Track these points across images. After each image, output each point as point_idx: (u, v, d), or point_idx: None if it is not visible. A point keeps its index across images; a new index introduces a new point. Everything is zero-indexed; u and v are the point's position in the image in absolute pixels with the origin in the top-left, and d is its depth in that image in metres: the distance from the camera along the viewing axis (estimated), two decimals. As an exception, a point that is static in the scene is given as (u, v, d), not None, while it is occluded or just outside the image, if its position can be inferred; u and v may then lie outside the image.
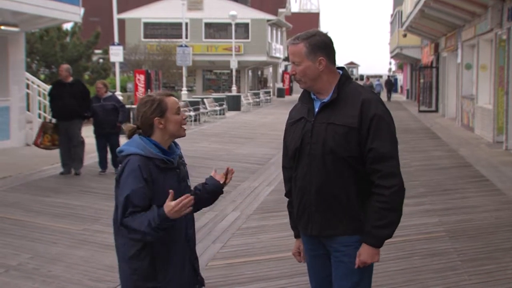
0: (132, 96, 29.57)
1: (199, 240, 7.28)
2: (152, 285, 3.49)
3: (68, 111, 12.18)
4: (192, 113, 25.46)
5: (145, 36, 49.99)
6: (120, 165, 3.53)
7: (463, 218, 8.98)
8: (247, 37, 50.86)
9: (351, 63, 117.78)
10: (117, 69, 23.67)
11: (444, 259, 6.95)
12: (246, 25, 50.62)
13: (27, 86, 17.94)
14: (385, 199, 3.47)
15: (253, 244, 7.80)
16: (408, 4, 34.69)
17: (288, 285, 6.21)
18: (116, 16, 23.03)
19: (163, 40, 46.19)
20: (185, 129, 3.59)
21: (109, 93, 12.79)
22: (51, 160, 13.61)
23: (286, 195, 3.89)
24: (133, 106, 21.20)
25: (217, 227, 8.54)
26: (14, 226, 8.55)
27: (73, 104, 12.15)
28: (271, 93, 50.49)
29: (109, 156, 12.66)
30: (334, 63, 3.64)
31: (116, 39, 22.82)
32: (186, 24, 39.16)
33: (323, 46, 3.57)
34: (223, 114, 30.80)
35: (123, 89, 35.47)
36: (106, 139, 12.54)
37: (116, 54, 22.50)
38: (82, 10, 18.08)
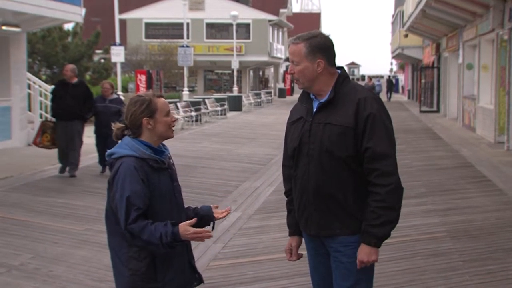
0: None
1: (201, 240, 7.26)
2: (151, 286, 3.47)
3: (68, 111, 12.05)
4: (193, 114, 25.46)
5: (147, 36, 50.01)
6: (108, 166, 3.52)
7: (464, 218, 8.98)
8: (249, 37, 50.88)
9: (353, 63, 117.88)
10: (119, 69, 23.69)
11: (446, 259, 6.95)
12: (247, 25, 50.63)
13: (29, 87, 17.96)
14: (381, 198, 3.47)
15: (255, 244, 7.80)
16: (409, 4, 34.70)
17: (290, 285, 6.21)
18: (117, 16, 23.05)
19: (164, 40, 46.24)
20: (173, 131, 3.58)
21: (115, 95, 12.68)
22: (52, 160, 13.59)
23: (285, 193, 3.90)
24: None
25: (219, 227, 8.53)
26: (16, 226, 8.55)
27: (74, 105, 12.01)
28: (272, 93, 50.50)
29: None
30: (334, 65, 3.64)
31: (117, 39, 22.84)
32: (188, 24, 39.12)
33: (323, 48, 3.58)
34: (224, 114, 30.80)
35: (125, 89, 35.46)
36: (106, 140, 12.39)
37: (118, 54, 22.52)
38: (83, 10, 18.10)
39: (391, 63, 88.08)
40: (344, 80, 3.62)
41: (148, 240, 3.33)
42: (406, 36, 39.79)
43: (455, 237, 7.88)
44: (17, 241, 7.77)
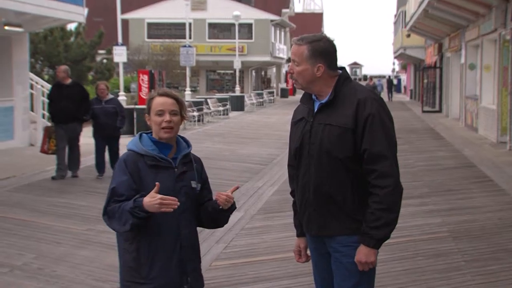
0: (136, 96, 29.59)
1: (203, 240, 7.27)
2: (136, 280, 3.46)
3: (64, 114, 11.82)
4: (195, 114, 25.49)
5: (149, 36, 50.02)
6: None
7: (467, 218, 8.97)
8: (251, 37, 50.85)
9: (355, 63, 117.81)
10: (121, 69, 23.70)
11: (448, 259, 6.95)
12: (249, 25, 50.61)
13: (31, 87, 17.98)
14: (379, 199, 3.47)
15: (257, 244, 7.80)
16: (411, 4, 34.70)
17: (292, 285, 6.21)
18: (119, 16, 23.05)
19: (166, 40, 46.22)
20: (165, 132, 3.49)
21: (111, 96, 12.62)
22: (54, 160, 13.61)
23: (291, 193, 3.90)
24: (137, 107, 21.24)
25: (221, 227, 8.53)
26: (18, 226, 8.56)
27: (70, 107, 11.76)
28: (275, 93, 50.48)
29: (107, 158, 12.52)
30: (335, 69, 3.64)
31: (119, 39, 22.85)
32: (190, 24, 39.14)
33: (325, 53, 3.58)
34: (227, 114, 30.80)
35: (127, 90, 35.51)
36: (106, 142, 12.30)
37: (120, 55, 22.53)
38: (85, 11, 18.09)
39: (393, 63, 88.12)
40: (344, 80, 3.62)
41: (112, 211, 3.38)
42: (408, 36, 39.78)
43: (457, 237, 7.88)
44: (20, 241, 7.78)
